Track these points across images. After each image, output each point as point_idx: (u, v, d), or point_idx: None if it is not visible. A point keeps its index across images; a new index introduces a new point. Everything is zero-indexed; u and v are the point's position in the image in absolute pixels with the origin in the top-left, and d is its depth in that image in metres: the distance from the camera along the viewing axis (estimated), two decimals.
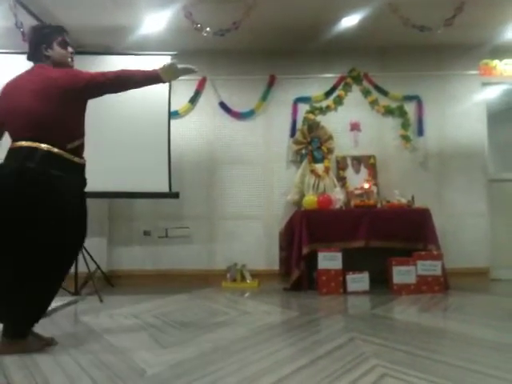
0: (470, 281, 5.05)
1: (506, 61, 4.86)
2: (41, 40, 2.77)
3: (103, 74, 2.70)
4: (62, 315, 3.71)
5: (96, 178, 4.56)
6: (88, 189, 2.84)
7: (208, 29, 4.55)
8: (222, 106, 5.60)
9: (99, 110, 4.66)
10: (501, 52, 4.98)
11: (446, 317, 3.66)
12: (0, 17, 4.36)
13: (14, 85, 2.73)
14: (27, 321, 2.63)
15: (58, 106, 2.63)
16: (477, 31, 5.00)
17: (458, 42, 5.27)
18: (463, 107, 5.50)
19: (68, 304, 4.12)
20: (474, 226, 5.39)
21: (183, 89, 5.46)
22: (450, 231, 5.26)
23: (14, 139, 2.66)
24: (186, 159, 5.52)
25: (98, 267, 4.94)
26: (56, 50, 2.79)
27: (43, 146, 2.58)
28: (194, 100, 5.59)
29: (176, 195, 5.00)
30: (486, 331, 3.03)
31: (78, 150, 2.75)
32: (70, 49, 2.86)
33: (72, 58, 2.87)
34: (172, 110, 5.15)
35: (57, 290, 2.73)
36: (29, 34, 2.81)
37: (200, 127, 5.58)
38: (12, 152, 2.63)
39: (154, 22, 4.71)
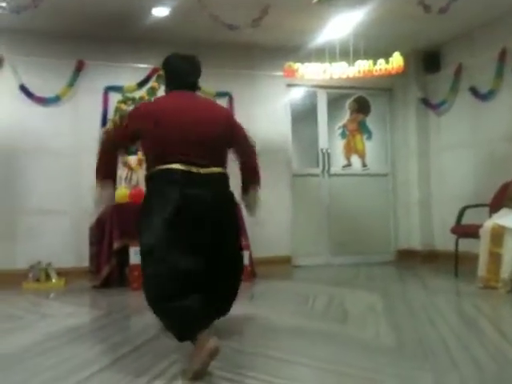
0: (276, 268, 5.41)
1: (307, 64, 5.24)
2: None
3: None
4: None
5: None
6: None
7: (3, 4, 4.08)
8: (23, 89, 5.10)
9: None
10: (303, 55, 5.37)
11: (251, 304, 3.84)
12: None
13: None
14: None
15: None
16: (282, 34, 5.32)
17: (265, 43, 5.55)
18: (270, 106, 5.83)
19: None
20: (279, 218, 5.77)
21: None
22: (258, 223, 5.52)
23: None
24: None
25: None
26: None
27: None
28: None
29: None
30: (285, 317, 3.24)
31: None
32: None
33: None
34: None
35: None
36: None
37: None
38: None
39: None
